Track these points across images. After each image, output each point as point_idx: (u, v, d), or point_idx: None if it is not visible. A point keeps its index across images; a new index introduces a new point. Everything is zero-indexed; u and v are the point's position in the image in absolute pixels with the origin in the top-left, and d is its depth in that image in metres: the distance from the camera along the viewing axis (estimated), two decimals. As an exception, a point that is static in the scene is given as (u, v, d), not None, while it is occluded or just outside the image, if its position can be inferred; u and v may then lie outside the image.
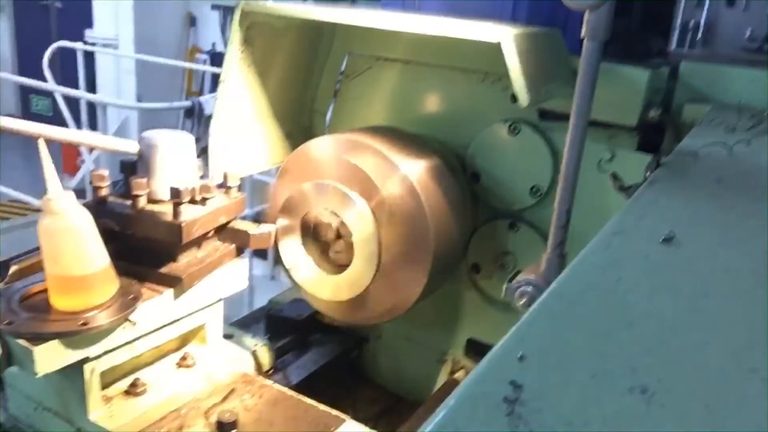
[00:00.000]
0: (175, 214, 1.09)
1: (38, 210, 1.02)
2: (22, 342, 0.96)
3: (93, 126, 4.92)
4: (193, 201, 1.13)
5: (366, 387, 1.73)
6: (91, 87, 5.66)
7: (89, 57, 5.55)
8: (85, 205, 1.12)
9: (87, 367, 1.05)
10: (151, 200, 1.13)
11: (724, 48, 1.57)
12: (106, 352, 1.06)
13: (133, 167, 1.17)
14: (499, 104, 1.45)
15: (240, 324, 1.57)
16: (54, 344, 0.97)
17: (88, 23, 6.39)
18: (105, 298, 1.01)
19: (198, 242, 1.17)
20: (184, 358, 1.23)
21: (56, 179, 0.97)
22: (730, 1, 1.56)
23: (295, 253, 1.37)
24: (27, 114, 7.91)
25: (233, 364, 1.29)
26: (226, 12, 6.33)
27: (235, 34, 1.40)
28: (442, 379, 1.66)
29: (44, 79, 4.59)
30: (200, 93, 6.25)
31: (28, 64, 7.22)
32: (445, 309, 1.62)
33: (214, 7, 6.50)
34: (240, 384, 1.21)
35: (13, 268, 1.08)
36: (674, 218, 0.80)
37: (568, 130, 1.03)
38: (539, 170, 1.42)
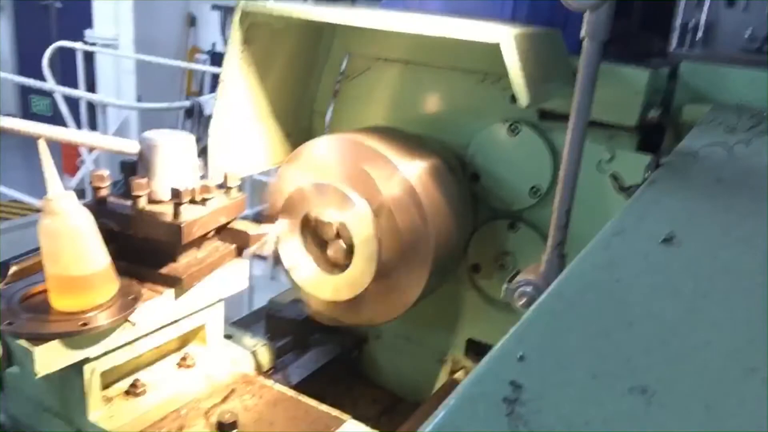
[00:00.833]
0: (176, 214, 1.09)
1: (38, 210, 1.02)
2: (22, 342, 0.96)
3: (93, 126, 4.92)
4: (193, 201, 1.13)
5: (366, 387, 1.73)
6: (91, 87, 5.66)
7: (89, 57, 5.55)
8: (85, 205, 1.12)
9: (87, 368, 1.05)
10: (152, 200, 1.13)
11: (724, 48, 1.57)
12: (106, 353, 1.06)
13: (133, 167, 1.17)
14: (499, 104, 1.45)
15: (240, 324, 1.57)
16: (54, 345, 0.97)
17: (88, 23, 6.39)
18: (105, 299, 1.01)
19: (198, 242, 1.17)
20: (184, 359, 1.23)
21: (57, 179, 0.97)
22: (730, 1, 1.56)
23: (295, 253, 1.37)
24: (27, 114, 7.91)
25: (233, 365, 1.29)
26: (226, 12, 6.33)
27: (235, 34, 1.40)
28: (442, 379, 1.66)
29: (44, 79, 4.59)
30: (200, 93, 6.25)
31: (28, 64, 7.23)
32: (445, 309, 1.62)
33: (214, 7, 6.51)
34: (240, 384, 1.21)
35: (13, 269, 1.08)
36: (674, 218, 0.80)
37: (568, 130, 1.03)
38: (539, 170, 1.42)
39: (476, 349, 1.60)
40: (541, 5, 1.83)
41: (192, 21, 6.84)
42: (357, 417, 1.16)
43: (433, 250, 1.29)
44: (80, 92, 4.73)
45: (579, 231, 1.06)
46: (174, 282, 1.13)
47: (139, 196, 1.11)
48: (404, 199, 1.28)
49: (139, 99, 5.89)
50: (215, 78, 5.34)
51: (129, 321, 1.05)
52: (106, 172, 1.13)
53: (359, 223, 1.29)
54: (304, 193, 1.34)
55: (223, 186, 1.22)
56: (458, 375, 1.61)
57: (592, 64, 0.98)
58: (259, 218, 1.30)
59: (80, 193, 0.96)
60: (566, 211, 1.06)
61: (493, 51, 1.12)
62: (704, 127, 1.21)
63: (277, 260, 1.42)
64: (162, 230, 1.10)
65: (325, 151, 1.35)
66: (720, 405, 0.47)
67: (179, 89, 6.54)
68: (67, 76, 5.18)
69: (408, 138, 1.42)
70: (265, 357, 1.39)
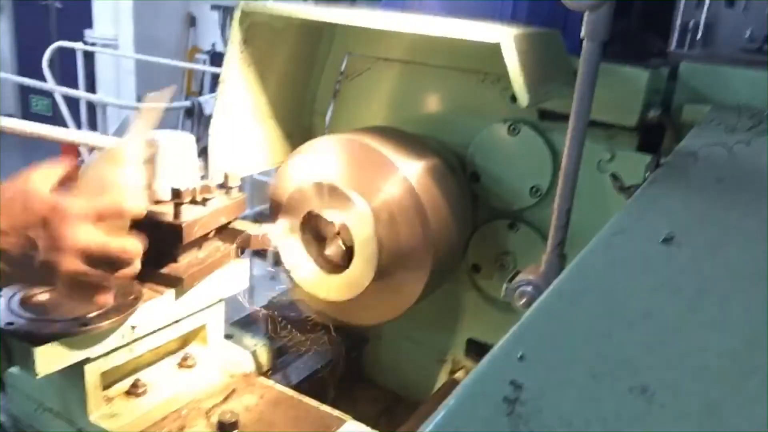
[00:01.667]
0: (176, 214, 1.10)
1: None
2: (22, 343, 0.96)
3: (93, 126, 4.92)
4: (193, 201, 1.14)
5: (366, 387, 1.73)
6: (91, 87, 5.66)
7: (89, 57, 5.55)
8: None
9: (88, 368, 1.05)
10: (152, 201, 1.13)
11: (724, 48, 1.57)
12: (107, 353, 1.06)
13: (133, 167, 1.17)
14: (499, 104, 1.46)
15: (240, 324, 1.57)
16: (55, 345, 0.97)
17: (88, 23, 6.39)
18: None
19: (199, 243, 1.17)
20: (185, 359, 1.23)
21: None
22: (730, 1, 1.56)
23: (295, 253, 1.37)
24: (27, 114, 7.90)
25: (234, 365, 1.29)
26: (226, 12, 6.33)
27: (235, 34, 1.40)
28: (442, 379, 1.66)
29: (44, 79, 4.59)
30: (200, 93, 6.25)
31: (28, 64, 7.22)
32: (445, 309, 1.62)
33: (214, 7, 6.50)
34: (241, 384, 1.22)
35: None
36: (674, 218, 0.80)
37: (568, 130, 1.03)
38: (539, 170, 1.42)
39: (476, 349, 1.60)
40: (541, 5, 1.84)
41: (192, 21, 6.84)
42: (357, 417, 1.16)
43: (433, 250, 1.29)
44: (80, 92, 4.74)
45: (579, 231, 1.06)
46: (175, 282, 1.13)
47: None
48: (404, 199, 1.28)
49: (139, 99, 5.89)
50: (215, 78, 5.35)
51: (131, 327, 1.05)
52: (106, 173, 1.13)
53: (359, 223, 1.29)
54: (304, 193, 1.34)
55: (223, 186, 1.23)
56: (458, 375, 1.61)
57: (592, 64, 0.98)
58: (259, 218, 1.30)
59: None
60: (566, 211, 1.06)
61: (493, 51, 1.12)
62: (704, 127, 1.21)
63: (277, 260, 1.42)
64: (162, 230, 1.10)
65: (325, 151, 1.35)
66: (720, 405, 0.47)
67: (179, 89, 6.54)
68: (67, 76, 5.19)
69: (408, 138, 1.42)
70: (264, 357, 1.39)
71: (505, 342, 0.54)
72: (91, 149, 4.34)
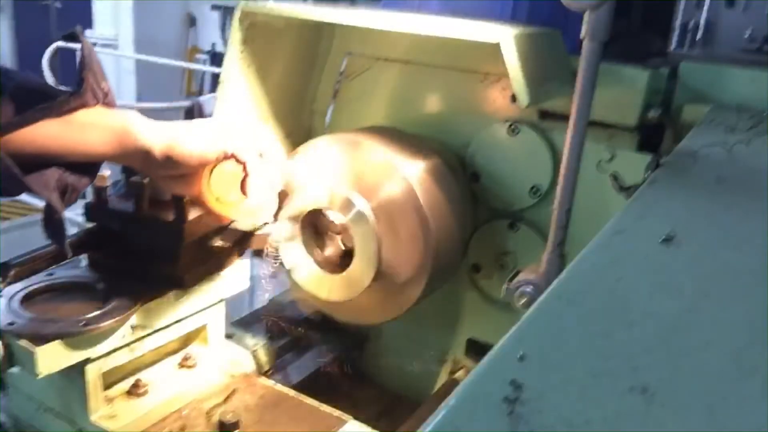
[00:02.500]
0: (177, 214, 1.10)
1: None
2: (23, 343, 0.96)
3: (93, 126, 4.90)
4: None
5: (366, 387, 1.73)
6: (91, 87, 5.64)
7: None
8: (86, 205, 1.13)
9: (89, 368, 1.05)
10: (153, 201, 1.13)
11: (724, 48, 1.57)
12: (108, 353, 1.07)
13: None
14: (499, 104, 1.46)
15: (240, 324, 1.58)
16: (56, 345, 0.97)
17: (88, 23, 6.39)
18: None
19: (200, 243, 1.17)
20: (185, 359, 1.23)
21: None
22: (730, 1, 1.56)
23: (295, 253, 1.38)
24: (27, 114, 7.88)
25: (235, 365, 1.29)
26: (226, 12, 6.32)
27: (235, 34, 1.40)
28: (442, 379, 1.66)
29: (44, 79, 4.58)
30: (200, 93, 6.24)
31: (28, 64, 7.21)
32: (445, 309, 1.62)
33: (214, 7, 6.50)
34: (242, 384, 1.22)
35: (14, 269, 1.08)
36: (674, 218, 0.80)
37: (568, 130, 1.03)
38: (539, 170, 1.42)
39: (476, 349, 1.60)
40: (541, 5, 1.84)
41: (192, 21, 6.84)
42: (357, 417, 1.17)
43: (433, 250, 1.29)
44: (80, 92, 4.72)
45: (579, 231, 1.07)
46: (176, 282, 1.13)
47: (141, 197, 1.11)
48: (404, 199, 1.28)
49: (139, 99, 5.89)
50: (215, 78, 5.34)
51: (131, 327, 1.05)
52: (107, 173, 1.14)
53: (359, 223, 1.29)
54: (304, 193, 1.34)
55: (223, 186, 1.22)
56: (458, 375, 1.61)
57: (592, 64, 0.98)
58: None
59: (81, 194, 0.96)
60: (566, 210, 1.06)
61: (493, 51, 1.12)
62: (704, 127, 1.21)
63: (277, 260, 1.42)
64: (163, 230, 1.10)
65: (325, 151, 1.35)
66: (720, 405, 0.47)
67: (179, 89, 6.54)
68: (67, 76, 5.18)
69: (408, 138, 1.42)
70: (264, 357, 1.39)
71: (505, 342, 0.54)
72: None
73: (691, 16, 1.60)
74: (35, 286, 1.07)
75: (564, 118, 1.08)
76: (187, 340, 1.26)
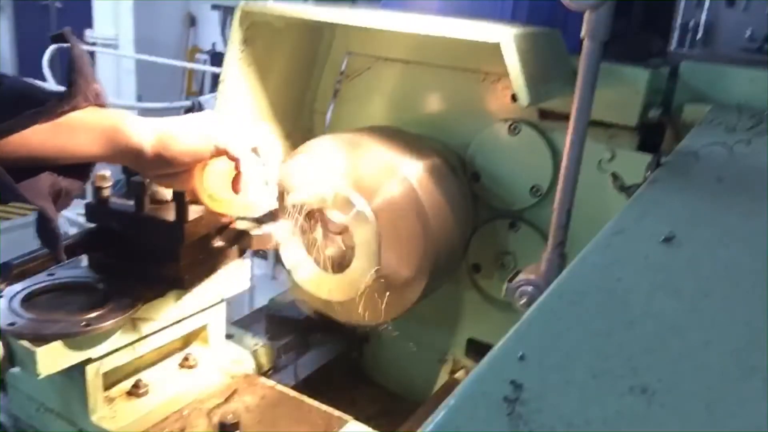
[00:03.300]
0: (178, 214, 1.10)
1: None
2: (24, 343, 0.96)
3: (93, 126, 4.90)
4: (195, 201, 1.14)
5: (366, 387, 1.73)
6: (91, 87, 5.64)
7: (89, 57, 5.55)
8: (86, 205, 1.13)
9: (89, 368, 1.05)
10: (153, 201, 1.13)
11: (724, 48, 1.57)
12: (108, 353, 1.07)
13: (134, 168, 1.17)
14: (499, 104, 1.46)
15: (240, 324, 1.58)
16: (56, 345, 0.97)
17: (88, 23, 6.39)
18: None
19: (200, 243, 1.17)
20: (186, 359, 1.23)
21: None
22: (730, 1, 1.56)
23: (295, 253, 1.38)
24: (27, 114, 7.88)
25: (235, 365, 1.29)
26: (226, 12, 6.32)
27: (235, 34, 1.40)
28: (442, 379, 1.66)
29: (44, 79, 4.59)
30: (200, 93, 6.24)
31: (28, 64, 7.21)
32: (445, 309, 1.62)
33: (214, 7, 6.49)
34: (242, 385, 1.22)
35: (14, 269, 1.08)
36: (674, 218, 0.80)
37: (569, 130, 1.03)
38: (539, 170, 1.42)
39: (476, 349, 1.60)
40: (541, 5, 1.84)
41: (192, 21, 6.83)
42: (357, 417, 1.17)
43: (434, 250, 1.29)
44: (80, 92, 4.72)
45: (579, 231, 1.06)
46: (176, 282, 1.13)
47: (142, 197, 1.11)
48: (404, 199, 1.28)
49: (139, 99, 5.89)
50: (215, 78, 5.34)
51: (137, 319, 1.05)
52: (107, 173, 1.14)
53: (359, 223, 1.29)
54: (304, 193, 1.34)
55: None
56: (458, 375, 1.61)
57: (593, 64, 0.98)
58: (258, 218, 1.30)
59: (81, 194, 0.96)
60: (566, 210, 1.06)
61: (493, 51, 1.12)
62: (704, 127, 1.21)
63: (277, 259, 1.42)
64: (164, 230, 1.10)
65: (325, 151, 1.35)
66: (720, 405, 0.47)
67: (179, 89, 6.53)
68: (67, 76, 5.17)
69: (408, 138, 1.42)
70: (265, 357, 1.39)
71: (505, 342, 0.54)
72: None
73: (691, 15, 1.61)
74: (36, 287, 1.07)
75: (564, 117, 1.08)
76: (187, 341, 1.26)
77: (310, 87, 1.68)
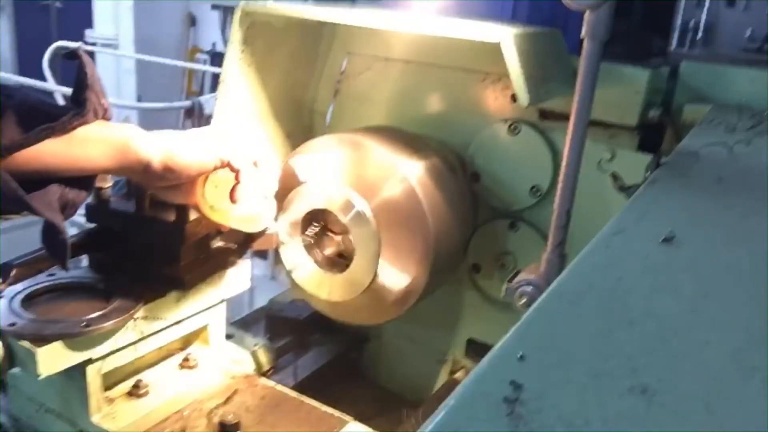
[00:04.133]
0: (178, 215, 1.10)
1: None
2: (24, 344, 0.96)
3: (93, 126, 4.90)
4: (194, 202, 1.14)
5: (366, 387, 1.73)
6: (91, 87, 5.64)
7: (89, 57, 5.54)
8: (87, 206, 1.13)
9: (90, 369, 1.05)
10: (154, 201, 1.13)
11: (724, 48, 1.57)
12: (108, 354, 1.07)
13: (134, 168, 1.17)
14: (499, 104, 1.46)
15: (240, 324, 1.58)
16: (57, 346, 0.97)
17: (88, 23, 6.38)
18: None
19: (201, 243, 1.17)
20: (186, 360, 1.23)
21: None
22: (730, 1, 1.57)
23: (295, 253, 1.38)
24: (27, 114, 7.87)
25: (236, 366, 1.29)
26: (226, 12, 6.32)
27: (235, 34, 1.40)
28: (442, 379, 1.66)
29: (44, 79, 4.59)
30: (200, 93, 6.24)
31: (28, 64, 7.21)
32: (445, 309, 1.62)
33: (214, 7, 6.49)
34: (242, 385, 1.22)
35: (14, 269, 1.08)
36: (674, 218, 0.80)
37: (569, 130, 1.03)
38: (539, 170, 1.42)
39: (476, 349, 1.60)
40: (541, 5, 1.84)
41: (192, 21, 6.83)
42: (356, 417, 1.17)
43: (434, 250, 1.29)
44: (80, 92, 4.72)
45: (579, 231, 1.07)
46: (177, 283, 1.13)
47: (142, 197, 1.11)
48: (404, 199, 1.28)
49: (139, 99, 5.88)
50: (215, 78, 5.34)
51: (137, 319, 1.06)
52: (107, 173, 1.14)
53: (359, 223, 1.29)
54: (304, 193, 1.34)
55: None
56: (458, 375, 1.61)
57: (593, 64, 0.98)
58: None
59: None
60: (566, 210, 1.06)
61: (493, 51, 1.12)
62: (704, 127, 1.21)
63: (277, 260, 1.42)
64: (165, 231, 1.10)
65: (325, 151, 1.35)
66: (720, 405, 0.47)
67: (179, 89, 6.53)
68: (67, 76, 5.18)
69: (408, 138, 1.42)
70: (264, 357, 1.39)
71: (505, 342, 0.54)
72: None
73: (691, 16, 1.61)
74: (36, 287, 1.07)
75: (564, 117, 1.08)
76: (187, 341, 1.26)
77: (310, 87, 1.68)
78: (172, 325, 1.16)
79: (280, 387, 1.23)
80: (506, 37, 1.11)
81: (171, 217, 1.10)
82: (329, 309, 1.45)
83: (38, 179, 0.83)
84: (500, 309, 1.53)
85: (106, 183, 1.13)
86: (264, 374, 1.36)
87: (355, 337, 1.74)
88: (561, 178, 1.06)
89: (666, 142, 1.37)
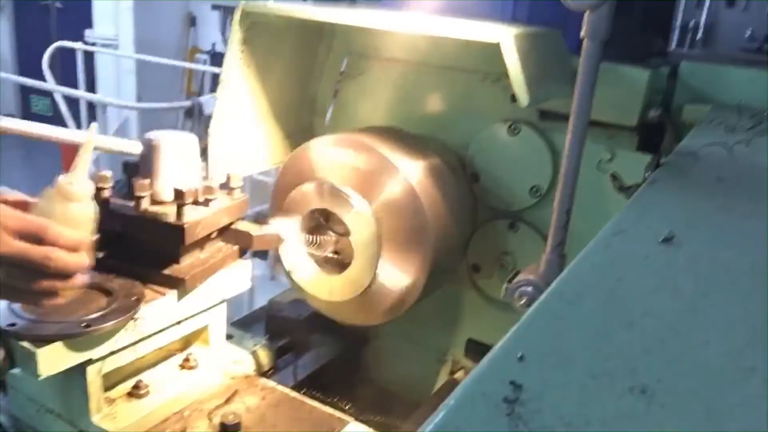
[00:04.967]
0: (178, 215, 1.10)
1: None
2: (24, 344, 0.96)
3: (93, 126, 4.90)
4: (196, 202, 1.14)
5: (366, 387, 1.73)
6: (91, 87, 5.66)
7: (89, 57, 5.55)
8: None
9: (90, 369, 1.05)
10: (154, 201, 1.13)
11: (724, 48, 1.57)
12: (109, 354, 1.07)
13: (135, 168, 1.17)
14: (499, 104, 1.46)
15: (240, 324, 1.58)
16: (57, 346, 0.97)
17: (88, 23, 6.39)
18: None
19: (201, 244, 1.17)
20: (186, 360, 1.23)
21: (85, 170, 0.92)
22: (730, 1, 1.56)
23: (295, 253, 1.38)
24: (27, 114, 7.90)
25: (236, 366, 1.29)
26: (226, 12, 6.32)
27: (235, 34, 1.40)
28: (442, 379, 1.66)
29: (44, 79, 4.59)
30: (200, 93, 6.24)
31: (28, 64, 7.22)
32: (445, 309, 1.62)
33: (214, 7, 6.49)
34: (243, 385, 1.22)
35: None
36: (674, 218, 0.80)
37: (568, 130, 1.03)
38: (539, 170, 1.42)
39: (476, 349, 1.60)
40: (541, 5, 1.84)
41: (192, 21, 6.83)
42: (356, 417, 1.17)
43: (433, 250, 1.29)
44: (80, 92, 4.73)
45: (579, 231, 1.07)
46: (177, 283, 1.13)
47: (142, 197, 1.11)
48: (404, 199, 1.28)
49: (139, 99, 5.88)
50: (215, 78, 5.34)
51: (137, 319, 1.05)
52: (108, 173, 1.14)
53: (359, 223, 1.29)
54: (304, 193, 1.34)
55: (225, 187, 1.23)
56: (458, 375, 1.61)
57: (592, 64, 0.98)
58: (258, 218, 1.30)
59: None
60: (566, 211, 1.06)
61: (493, 51, 1.12)
62: (704, 127, 1.21)
63: (277, 260, 1.42)
64: (165, 231, 1.10)
65: (325, 151, 1.35)
66: (720, 405, 0.47)
67: (179, 89, 6.53)
68: (67, 76, 5.18)
69: (408, 138, 1.42)
70: (264, 357, 1.39)
71: (505, 342, 0.54)
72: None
73: (691, 16, 1.61)
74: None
75: (564, 118, 1.08)
76: (188, 341, 1.26)
77: (310, 87, 1.68)
78: (172, 325, 1.16)
79: (280, 387, 1.23)
80: (506, 37, 1.11)
81: (171, 217, 1.10)
82: (329, 309, 1.45)
83: None
84: (500, 309, 1.53)
85: (106, 183, 1.13)
86: (264, 374, 1.36)
87: (355, 337, 1.74)
88: (561, 178, 1.06)
89: (666, 142, 1.37)
